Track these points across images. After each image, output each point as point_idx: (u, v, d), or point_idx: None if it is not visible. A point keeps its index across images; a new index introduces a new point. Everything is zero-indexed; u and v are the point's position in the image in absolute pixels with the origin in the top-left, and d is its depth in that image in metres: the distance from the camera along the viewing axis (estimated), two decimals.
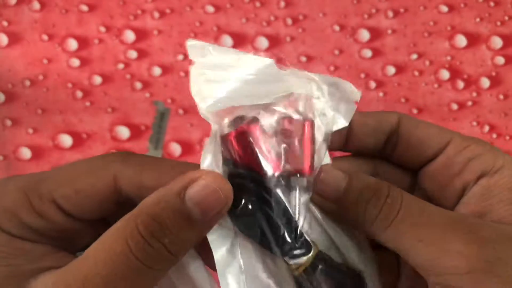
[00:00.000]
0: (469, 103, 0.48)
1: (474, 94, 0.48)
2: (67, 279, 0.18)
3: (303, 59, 0.48)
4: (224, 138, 0.20)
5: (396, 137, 0.23)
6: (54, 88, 0.48)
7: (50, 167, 0.48)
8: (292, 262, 0.20)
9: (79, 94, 0.48)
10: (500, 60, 0.48)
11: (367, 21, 0.48)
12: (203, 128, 0.48)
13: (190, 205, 0.17)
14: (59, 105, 0.48)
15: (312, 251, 0.20)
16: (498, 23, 0.48)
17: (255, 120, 0.20)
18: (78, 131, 0.48)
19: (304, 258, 0.20)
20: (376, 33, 0.48)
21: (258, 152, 0.20)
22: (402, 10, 0.48)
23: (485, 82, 0.48)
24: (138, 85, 0.48)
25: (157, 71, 0.48)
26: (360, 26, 0.48)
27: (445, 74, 0.48)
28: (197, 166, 0.19)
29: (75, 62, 0.48)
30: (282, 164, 0.20)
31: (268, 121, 0.21)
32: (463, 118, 0.48)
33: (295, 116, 0.21)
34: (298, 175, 0.20)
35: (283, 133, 0.20)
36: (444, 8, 0.48)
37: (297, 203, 0.20)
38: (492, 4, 0.48)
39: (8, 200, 0.20)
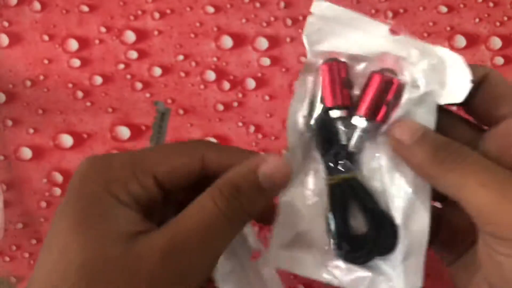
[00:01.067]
0: None
1: None
2: (171, 233, 0.22)
3: (303, 59, 0.48)
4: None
5: (476, 90, 0.24)
6: (55, 88, 0.48)
7: (50, 167, 0.48)
8: (327, 176, 0.26)
9: (79, 94, 0.48)
10: (500, 60, 0.48)
11: None
12: (203, 128, 0.48)
13: (262, 178, 0.23)
14: (60, 105, 0.48)
15: (347, 174, 0.25)
16: (498, 24, 0.49)
17: (343, 62, 0.26)
18: (78, 131, 0.48)
19: (339, 176, 0.25)
20: None
21: (332, 85, 0.25)
22: (401, 10, 0.48)
23: None
24: (139, 85, 0.48)
25: (157, 71, 0.48)
26: None
27: None
28: (253, 153, 0.26)
29: (76, 62, 0.49)
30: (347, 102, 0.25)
31: (357, 68, 0.25)
32: None
33: (383, 72, 0.24)
34: (360, 116, 0.25)
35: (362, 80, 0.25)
36: (444, 9, 0.48)
37: (354, 135, 0.25)
38: (491, 4, 0.49)
39: (119, 173, 0.24)
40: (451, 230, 0.26)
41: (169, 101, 0.48)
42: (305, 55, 0.49)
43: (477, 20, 0.49)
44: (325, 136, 0.26)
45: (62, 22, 0.49)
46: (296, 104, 0.26)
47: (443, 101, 0.24)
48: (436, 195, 0.26)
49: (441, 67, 0.24)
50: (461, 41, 0.48)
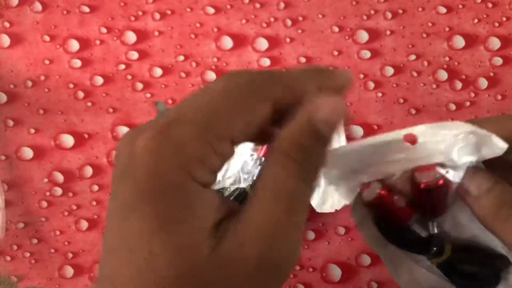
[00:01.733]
0: (467, 103, 0.48)
1: (472, 94, 0.48)
2: (259, 226, 0.20)
3: (303, 60, 0.49)
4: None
5: None
6: (56, 88, 0.49)
7: (51, 167, 0.48)
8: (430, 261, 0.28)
9: (80, 94, 0.49)
10: (498, 60, 0.49)
11: (366, 22, 0.49)
12: None
13: (321, 126, 0.20)
14: (61, 105, 0.49)
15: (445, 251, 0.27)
16: (496, 24, 0.49)
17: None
18: (79, 131, 0.48)
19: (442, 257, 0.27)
20: (374, 34, 0.49)
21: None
22: (400, 11, 0.49)
23: (483, 83, 0.49)
24: (139, 85, 0.49)
25: (158, 71, 0.49)
26: (359, 27, 0.49)
27: (443, 75, 0.48)
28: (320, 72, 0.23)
29: (77, 62, 0.49)
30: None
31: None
32: (461, 118, 0.48)
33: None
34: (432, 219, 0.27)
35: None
36: (442, 9, 0.49)
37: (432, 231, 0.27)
38: (490, 5, 0.49)
39: (193, 148, 0.20)
40: None
41: (170, 101, 0.49)
42: (305, 55, 0.49)
43: (476, 20, 0.49)
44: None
45: (63, 22, 0.49)
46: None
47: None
48: None
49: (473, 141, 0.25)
50: (460, 41, 0.49)
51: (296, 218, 0.20)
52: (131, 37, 0.49)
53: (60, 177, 0.48)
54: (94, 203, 0.48)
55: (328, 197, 0.42)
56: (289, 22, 0.49)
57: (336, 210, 0.42)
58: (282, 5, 0.49)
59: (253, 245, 0.19)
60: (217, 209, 0.20)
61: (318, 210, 0.43)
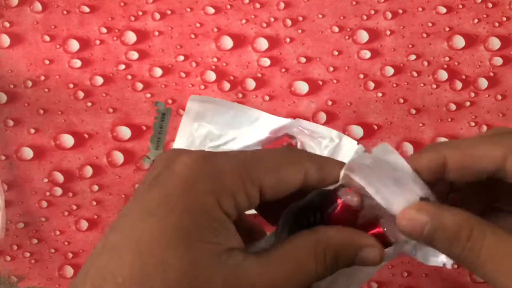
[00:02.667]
0: (467, 103, 0.48)
1: (472, 94, 0.48)
2: (270, 274, 0.21)
3: (303, 60, 0.49)
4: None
5: (503, 173, 0.23)
6: (56, 88, 0.49)
7: (51, 167, 0.48)
8: None
9: (80, 94, 0.49)
10: (498, 60, 0.49)
11: (366, 22, 0.49)
12: None
13: (358, 260, 0.23)
14: (61, 105, 0.49)
15: None
16: (496, 24, 0.49)
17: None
18: (79, 131, 0.48)
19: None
20: (374, 34, 0.49)
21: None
22: (400, 11, 0.49)
23: (483, 83, 0.49)
24: (139, 85, 0.49)
25: (157, 71, 0.49)
26: (358, 27, 0.49)
27: (443, 75, 0.48)
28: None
29: (77, 62, 0.49)
30: None
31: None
32: (461, 118, 0.48)
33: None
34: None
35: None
36: (442, 9, 0.49)
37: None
38: (490, 5, 0.49)
39: (229, 180, 0.21)
40: None
41: (170, 101, 0.49)
42: (305, 55, 0.49)
43: (476, 20, 0.49)
44: None
45: (63, 22, 0.49)
46: None
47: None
48: None
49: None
50: (460, 41, 0.49)
51: None
52: (131, 37, 0.49)
53: (60, 177, 0.48)
54: (94, 203, 0.48)
55: None
56: (289, 22, 0.49)
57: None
58: (282, 5, 0.49)
59: None
60: (234, 239, 0.21)
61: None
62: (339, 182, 0.24)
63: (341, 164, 0.24)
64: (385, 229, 0.24)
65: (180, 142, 0.47)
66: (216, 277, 0.20)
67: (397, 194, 0.23)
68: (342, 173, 0.23)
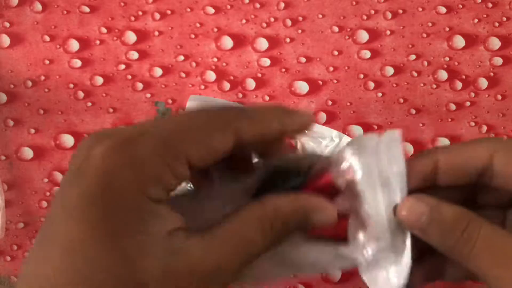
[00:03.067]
0: (467, 103, 0.48)
1: (472, 94, 0.48)
2: (213, 257, 0.21)
3: (303, 60, 0.49)
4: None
5: (491, 172, 0.23)
6: (56, 88, 0.49)
7: (51, 167, 0.48)
8: None
9: (80, 94, 0.49)
10: (498, 60, 0.49)
11: (366, 22, 0.49)
12: None
13: (310, 224, 0.23)
14: (61, 105, 0.49)
15: None
16: (496, 24, 0.49)
17: None
18: (79, 131, 0.48)
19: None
20: (374, 34, 0.49)
21: None
22: (400, 11, 0.49)
23: (483, 83, 0.49)
24: (139, 85, 0.49)
25: (158, 71, 0.49)
26: (359, 27, 0.49)
27: (443, 75, 0.48)
28: (285, 112, 0.24)
29: (77, 62, 0.49)
30: None
31: None
32: (461, 118, 0.48)
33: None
34: None
35: None
36: (442, 9, 0.49)
37: None
38: (490, 5, 0.49)
39: (151, 166, 0.20)
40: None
41: (170, 101, 0.49)
42: (305, 55, 0.49)
43: (476, 20, 0.49)
44: None
45: (63, 22, 0.49)
46: None
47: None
48: None
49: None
50: (460, 41, 0.49)
51: (242, 267, 0.22)
52: (131, 37, 0.49)
53: (60, 177, 0.48)
54: None
55: None
56: (289, 22, 0.49)
57: None
58: (282, 5, 0.49)
59: (196, 274, 0.20)
60: (169, 222, 0.21)
61: None
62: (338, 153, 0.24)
63: (275, 112, 0.23)
64: (350, 222, 0.24)
65: None
66: (151, 266, 0.19)
67: (382, 196, 0.23)
68: (345, 141, 0.24)
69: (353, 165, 0.23)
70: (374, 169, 0.23)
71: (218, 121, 0.22)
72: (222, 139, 0.21)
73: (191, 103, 0.48)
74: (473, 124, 0.48)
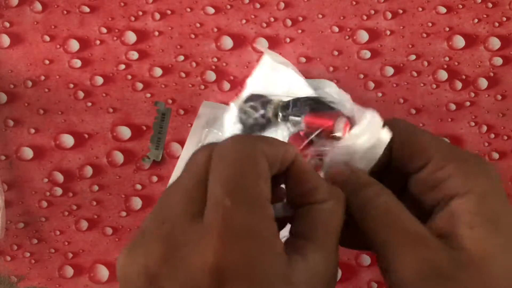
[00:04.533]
0: (467, 103, 0.48)
1: (472, 94, 0.48)
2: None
3: (303, 60, 0.49)
4: None
5: (391, 145, 0.25)
6: (56, 88, 0.49)
7: (51, 167, 0.48)
8: None
9: (80, 94, 0.49)
10: (498, 60, 0.49)
11: (366, 22, 0.49)
12: None
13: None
14: (61, 105, 0.49)
15: None
16: (496, 24, 0.49)
17: None
18: (79, 131, 0.48)
19: None
20: (374, 34, 0.49)
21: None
22: (400, 11, 0.49)
23: (483, 83, 0.49)
24: (139, 85, 0.49)
25: (158, 71, 0.49)
26: (358, 27, 0.49)
27: (443, 75, 0.48)
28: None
29: (77, 62, 0.49)
30: None
31: None
32: (461, 118, 0.48)
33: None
34: None
35: None
36: (442, 9, 0.49)
37: None
38: (490, 5, 0.49)
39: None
40: None
41: (170, 101, 0.49)
42: (305, 55, 0.49)
43: (476, 20, 0.49)
44: None
45: (63, 22, 0.49)
46: None
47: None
48: None
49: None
50: (460, 41, 0.49)
51: None
52: (131, 37, 0.49)
53: (60, 177, 0.48)
54: (94, 203, 0.48)
55: None
56: (289, 22, 0.49)
57: None
58: (282, 5, 0.49)
59: None
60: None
61: None
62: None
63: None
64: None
65: (190, 146, 0.48)
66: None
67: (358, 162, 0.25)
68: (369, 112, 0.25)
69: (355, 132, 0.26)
70: (364, 144, 0.25)
71: (255, 154, 0.21)
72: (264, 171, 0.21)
73: (204, 108, 0.48)
74: (473, 124, 0.48)
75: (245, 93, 0.44)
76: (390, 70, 0.48)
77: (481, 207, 0.22)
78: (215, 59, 0.49)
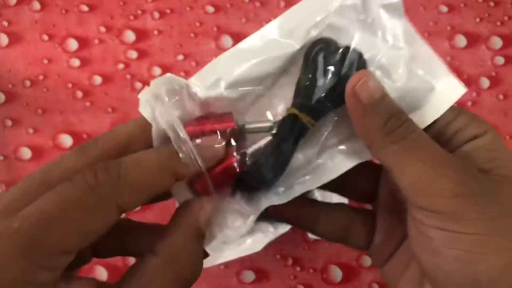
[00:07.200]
0: (469, 103, 0.48)
1: (474, 94, 0.48)
2: None
3: None
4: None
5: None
6: (54, 88, 0.48)
7: None
8: None
9: (79, 94, 0.48)
10: (500, 60, 0.48)
11: None
12: None
13: (202, 225, 0.22)
14: (59, 105, 0.48)
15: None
16: (498, 23, 0.49)
17: None
18: (78, 131, 0.48)
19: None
20: None
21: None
22: None
23: (485, 82, 0.48)
24: (138, 85, 0.48)
25: (157, 71, 0.48)
26: None
27: None
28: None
29: (75, 62, 0.49)
30: None
31: None
32: None
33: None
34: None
35: None
36: (444, 8, 0.48)
37: None
38: (492, 4, 0.48)
39: (14, 272, 0.18)
40: (383, 231, 0.27)
41: None
42: None
43: (477, 19, 0.49)
44: None
45: (62, 21, 0.49)
46: None
47: None
48: (365, 197, 0.28)
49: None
50: (461, 40, 0.48)
51: None
52: (130, 36, 0.49)
53: None
54: None
55: None
56: None
57: None
58: (282, 4, 0.48)
59: None
60: None
61: (311, 235, 0.43)
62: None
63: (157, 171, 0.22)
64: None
65: None
66: None
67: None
68: None
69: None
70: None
71: (101, 201, 0.19)
72: (104, 222, 0.19)
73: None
74: None
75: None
76: None
77: (499, 143, 0.23)
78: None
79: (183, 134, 0.22)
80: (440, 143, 0.22)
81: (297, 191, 0.24)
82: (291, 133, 0.23)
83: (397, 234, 0.26)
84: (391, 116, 0.22)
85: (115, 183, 0.20)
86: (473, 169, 0.22)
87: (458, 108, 0.23)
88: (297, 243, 0.47)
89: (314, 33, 0.24)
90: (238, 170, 0.23)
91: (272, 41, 0.25)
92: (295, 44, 0.24)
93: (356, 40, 0.24)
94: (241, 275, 0.46)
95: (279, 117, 0.24)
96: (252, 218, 0.24)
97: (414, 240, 0.23)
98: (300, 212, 0.26)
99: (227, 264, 0.46)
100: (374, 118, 0.22)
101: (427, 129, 0.23)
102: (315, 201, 0.27)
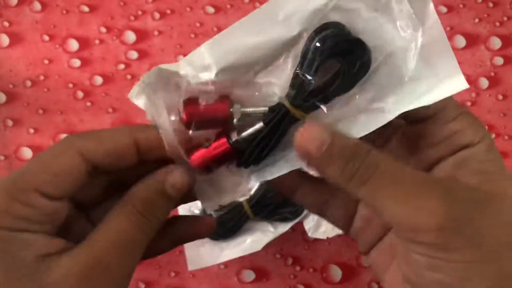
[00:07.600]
0: (468, 103, 0.48)
1: (473, 94, 0.48)
2: (86, 255, 0.22)
3: None
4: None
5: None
6: (55, 88, 0.49)
7: None
8: None
9: (80, 94, 0.48)
10: (499, 60, 0.48)
11: None
12: None
13: (169, 189, 0.24)
14: (60, 105, 0.48)
15: None
16: (497, 24, 0.49)
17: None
18: (79, 131, 0.48)
19: None
20: None
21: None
22: None
23: (484, 83, 0.48)
24: None
25: None
26: None
27: None
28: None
29: (76, 62, 0.49)
30: None
31: None
32: None
33: None
34: None
35: None
36: (443, 9, 0.48)
37: None
38: (491, 4, 0.49)
39: None
40: (367, 216, 0.26)
41: None
42: None
43: (476, 20, 0.49)
44: None
45: (63, 22, 0.49)
46: None
47: None
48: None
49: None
50: (460, 41, 0.49)
51: (124, 262, 0.23)
52: (130, 36, 0.49)
53: None
54: None
55: (322, 223, 0.43)
56: None
57: (328, 237, 0.43)
58: None
59: (71, 278, 0.21)
60: (37, 247, 0.22)
61: (311, 234, 0.43)
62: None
63: (125, 129, 0.25)
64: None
65: None
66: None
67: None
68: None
69: None
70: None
71: (63, 146, 0.23)
72: (68, 162, 0.22)
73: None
74: None
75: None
76: None
77: (493, 154, 0.22)
78: None
79: (163, 119, 0.25)
80: (436, 140, 0.22)
81: (297, 165, 0.24)
82: (279, 123, 0.23)
83: (378, 224, 0.26)
84: (348, 161, 0.21)
85: (80, 135, 0.24)
86: (458, 190, 0.21)
87: (461, 107, 0.23)
88: (297, 242, 0.47)
89: (318, 17, 0.22)
90: (230, 152, 0.24)
91: (269, 23, 0.22)
92: (295, 27, 0.22)
93: (364, 25, 0.22)
94: (241, 275, 0.46)
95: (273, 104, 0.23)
96: (246, 184, 0.25)
97: (400, 258, 0.23)
98: (283, 177, 0.25)
99: (227, 264, 0.46)
100: (332, 168, 0.21)
101: (422, 127, 0.23)
102: (300, 170, 0.26)
